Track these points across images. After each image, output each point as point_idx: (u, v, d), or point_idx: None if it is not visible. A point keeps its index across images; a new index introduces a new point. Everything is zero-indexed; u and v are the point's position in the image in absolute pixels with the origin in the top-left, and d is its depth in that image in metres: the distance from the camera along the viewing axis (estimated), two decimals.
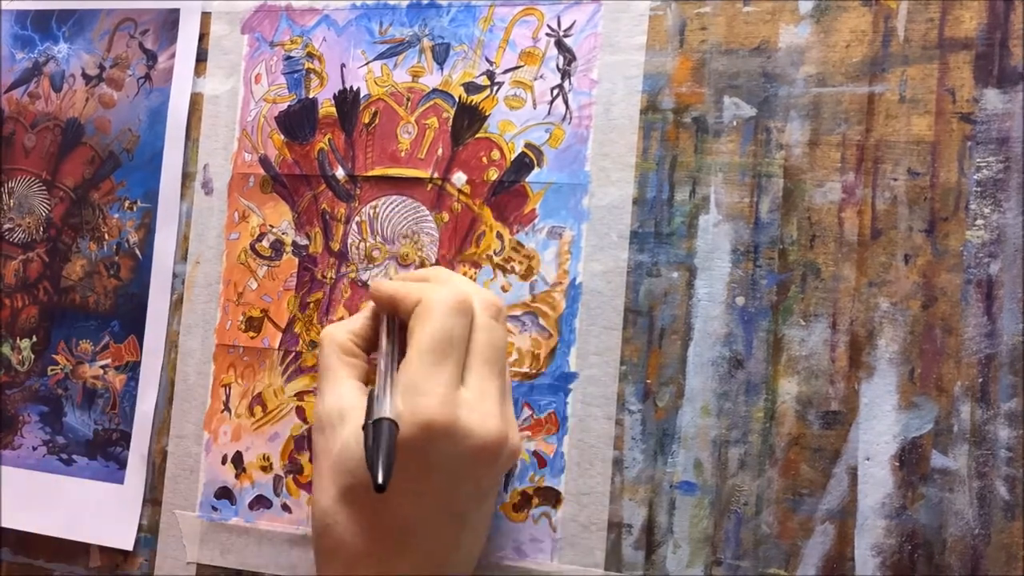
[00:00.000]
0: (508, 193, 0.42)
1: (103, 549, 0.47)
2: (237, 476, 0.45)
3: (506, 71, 0.43)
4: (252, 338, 0.45)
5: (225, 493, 0.45)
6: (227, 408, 0.45)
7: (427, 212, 0.43)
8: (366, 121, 0.45)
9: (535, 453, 0.41)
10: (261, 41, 0.47)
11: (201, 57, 0.48)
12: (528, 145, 0.42)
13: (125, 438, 0.47)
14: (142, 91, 0.49)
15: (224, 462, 0.45)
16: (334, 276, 0.45)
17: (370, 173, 0.44)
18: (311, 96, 0.46)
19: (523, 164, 0.42)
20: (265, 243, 0.46)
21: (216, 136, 0.47)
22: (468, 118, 0.43)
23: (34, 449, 0.49)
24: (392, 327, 0.37)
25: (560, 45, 0.42)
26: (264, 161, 0.46)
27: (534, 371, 0.41)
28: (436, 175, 0.43)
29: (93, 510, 0.47)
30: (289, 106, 0.46)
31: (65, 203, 0.50)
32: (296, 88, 0.46)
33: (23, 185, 0.51)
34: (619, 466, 0.40)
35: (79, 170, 0.50)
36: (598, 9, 0.42)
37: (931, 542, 0.36)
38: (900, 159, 0.38)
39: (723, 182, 0.40)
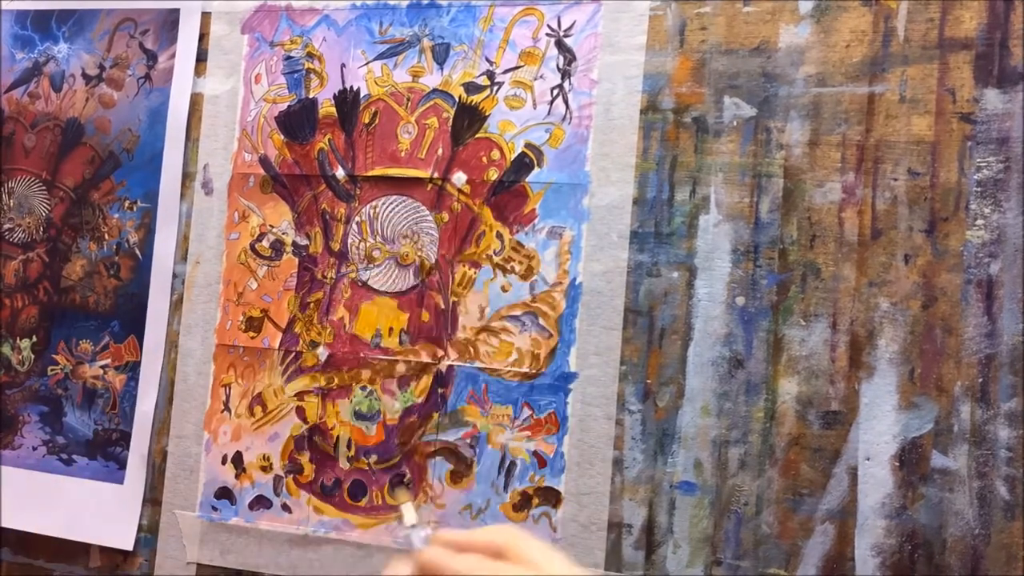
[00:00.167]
0: (508, 193, 0.42)
1: (103, 549, 0.47)
2: (237, 476, 0.45)
3: (506, 71, 0.43)
4: (252, 338, 0.45)
5: (225, 493, 0.45)
6: (227, 408, 0.45)
7: (427, 212, 0.43)
8: (366, 121, 0.45)
9: (535, 453, 0.41)
10: (261, 41, 0.47)
11: (201, 57, 0.48)
12: (528, 145, 0.42)
13: (125, 438, 0.47)
14: (142, 91, 0.49)
15: (224, 462, 0.45)
16: (334, 276, 0.45)
17: (370, 173, 0.44)
18: (311, 96, 0.46)
19: (523, 164, 0.42)
20: (265, 243, 0.46)
21: (216, 136, 0.47)
22: (468, 118, 0.43)
23: (34, 449, 0.49)
24: None
25: (560, 45, 0.42)
26: (264, 161, 0.46)
27: (534, 371, 0.41)
28: (436, 175, 0.43)
29: (93, 510, 0.47)
30: (289, 106, 0.46)
31: (65, 203, 0.50)
32: (296, 88, 0.46)
33: (23, 185, 0.51)
34: (619, 466, 0.40)
35: (79, 170, 0.50)
36: (598, 9, 0.42)
37: (931, 542, 0.36)
38: (900, 159, 0.38)
39: (723, 182, 0.40)
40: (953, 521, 0.36)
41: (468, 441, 0.42)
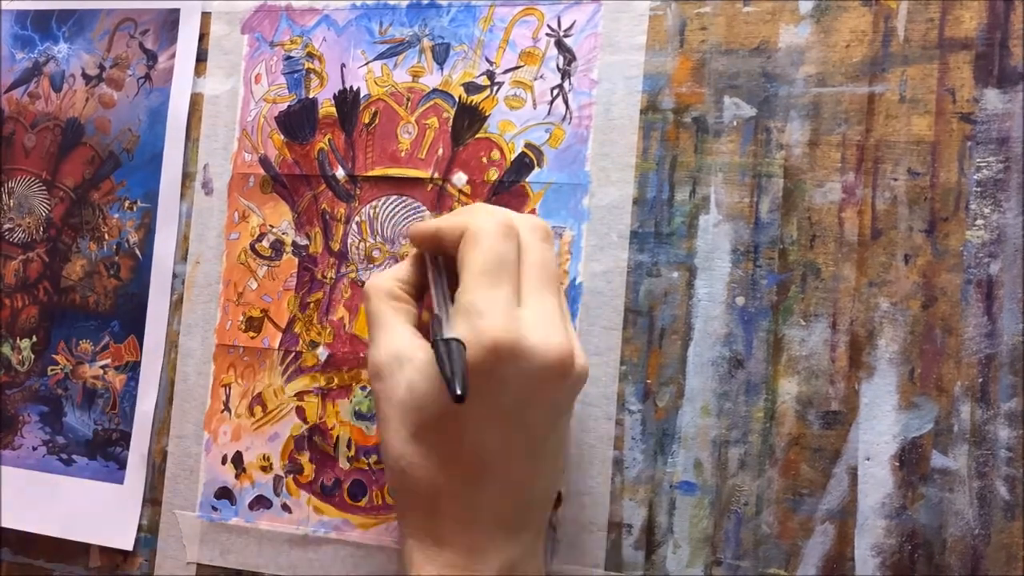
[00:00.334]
0: (508, 193, 0.42)
1: (103, 549, 0.47)
2: (237, 476, 0.45)
3: (506, 71, 0.43)
4: (252, 338, 0.45)
5: (225, 493, 0.45)
6: (227, 408, 0.45)
7: (427, 212, 0.44)
8: (366, 121, 0.45)
9: None
10: (261, 41, 0.47)
11: (201, 57, 0.48)
12: (528, 145, 0.42)
13: (125, 438, 0.47)
14: (142, 91, 0.49)
15: (224, 462, 0.45)
16: (334, 276, 0.45)
17: (370, 173, 0.44)
18: (311, 96, 0.46)
19: (523, 164, 0.42)
20: (265, 243, 0.46)
21: (216, 136, 0.47)
22: (468, 118, 0.43)
23: (34, 449, 0.49)
24: (438, 264, 0.36)
25: (560, 45, 0.42)
26: (264, 161, 0.46)
27: None
28: (436, 175, 0.43)
29: (93, 510, 0.47)
30: (289, 106, 0.46)
31: (65, 203, 0.50)
32: (296, 88, 0.46)
33: (23, 185, 0.51)
34: (619, 466, 0.40)
35: (79, 170, 0.50)
36: (598, 9, 0.42)
37: (931, 542, 0.36)
38: (900, 159, 0.38)
39: (723, 182, 0.40)
40: (953, 521, 0.36)
41: None
